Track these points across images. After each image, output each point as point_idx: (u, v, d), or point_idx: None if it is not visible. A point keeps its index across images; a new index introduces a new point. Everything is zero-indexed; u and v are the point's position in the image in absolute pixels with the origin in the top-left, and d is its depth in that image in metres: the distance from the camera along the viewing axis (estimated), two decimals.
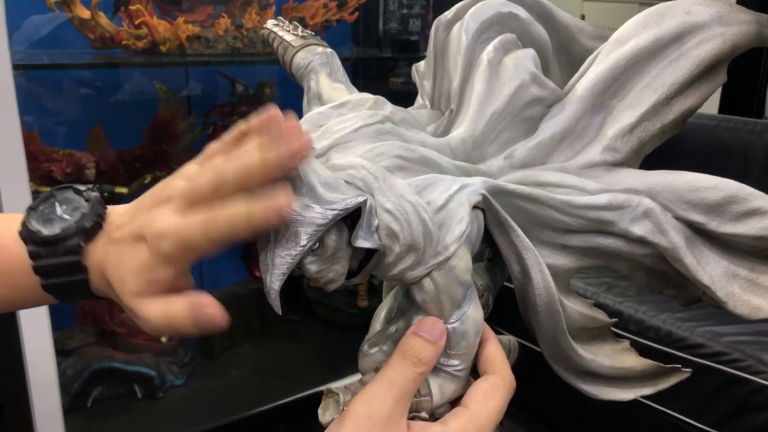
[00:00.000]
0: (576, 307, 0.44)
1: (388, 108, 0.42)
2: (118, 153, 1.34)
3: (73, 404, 1.34)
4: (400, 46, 1.66)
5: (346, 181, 0.36)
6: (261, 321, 1.63)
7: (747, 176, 1.57)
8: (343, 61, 0.47)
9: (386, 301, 0.45)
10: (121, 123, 1.40)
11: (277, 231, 0.33)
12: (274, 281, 0.33)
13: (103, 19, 1.23)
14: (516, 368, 0.55)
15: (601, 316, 0.45)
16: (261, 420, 1.38)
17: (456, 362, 0.38)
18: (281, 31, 0.47)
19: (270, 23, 0.48)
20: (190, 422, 1.35)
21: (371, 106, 0.41)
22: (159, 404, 1.41)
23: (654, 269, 0.43)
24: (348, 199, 0.34)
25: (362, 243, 0.35)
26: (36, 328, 1.05)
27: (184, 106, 1.41)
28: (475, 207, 0.39)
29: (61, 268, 0.38)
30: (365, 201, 0.34)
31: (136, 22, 1.24)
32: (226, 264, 1.70)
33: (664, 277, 0.43)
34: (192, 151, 1.40)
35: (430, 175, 0.39)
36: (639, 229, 0.41)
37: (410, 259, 0.36)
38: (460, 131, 0.44)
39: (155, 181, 1.34)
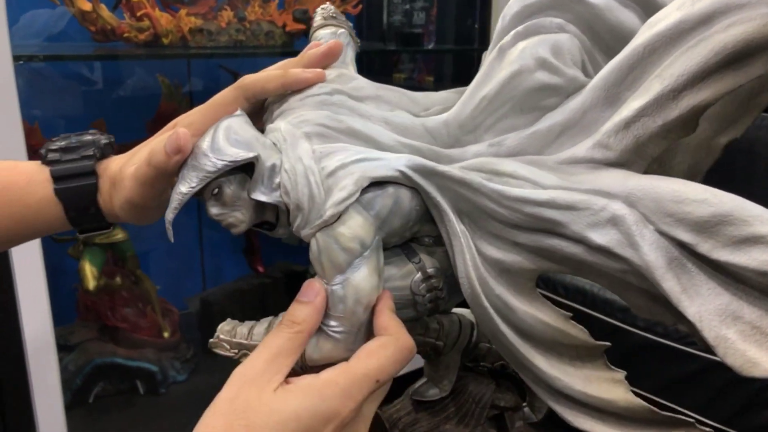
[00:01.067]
0: (536, 314, 0.41)
1: (353, 83, 0.44)
2: (120, 147, 1.32)
3: (75, 400, 1.33)
4: (404, 40, 1.64)
5: (273, 142, 0.41)
6: (264, 316, 1.61)
7: (753, 171, 1.56)
8: None
9: None
10: (123, 117, 1.39)
11: (182, 173, 0.39)
12: (168, 213, 0.39)
13: (105, 11, 1.22)
14: None
15: (579, 332, 0.41)
16: None
17: (333, 323, 0.39)
18: (320, 13, 0.51)
19: (320, 8, 0.52)
20: (193, 418, 1.33)
21: (331, 80, 0.44)
22: (161, 400, 1.40)
23: (656, 295, 0.36)
24: (240, 153, 0.38)
25: (258, 196, 0.40)
26: (37, 323, 1.04)
27: (187, 100, 1.39)
28: (397, 183, 0.40)
29: (75, 172, 0.47)
30: (257, 157, 0.39)
31: (138, 14, 1.22)
32: (228, 259, 1.69)
33: (672, 307, 0.36)
34: None
35: (340, 144, 0.41)
36: (600, 237, 0.37)
37: (299, 218, 0.39)
38: (444, 114, 0.43)
39: None
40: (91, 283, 1.26)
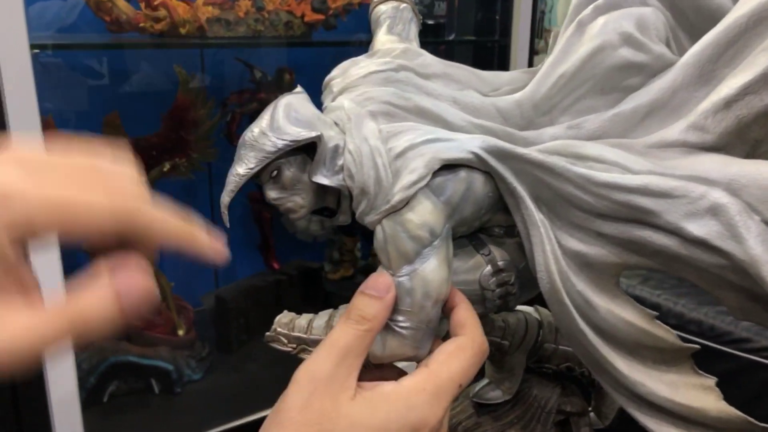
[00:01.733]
0: (619, 313, 0.37)
1: (419, 59, 0.41)
2: (135, 140, 1.29)
3: (89, 399, 1.30)
4: (425, 31, 1.61)
5: (335, 122, 0.38)
6: (279, 313, 1.58)
7: None
8: (366, 45, 0.48)
9: None
10: (137, 109, 1.36)
11: (239, 153, 0.37)
12: (224, 196, 0.37)
13: (120, 0, 1.19)
14: None
15: (665, 334, 0.38)
16: None
17: (400, 318, 0.36)
18: None
19: None
20: (210, 418, 1.31)
21: (396, 55, 0.41)
22: (177, 399, 1.37)
23: (758, 294, 0.34)
24: (301, 133, 0.35)
25: (319, 179, 0.37)
26: None
27: (203, 93, 1.36)
28: (469, 167, 0.37)
29: None
30: (319, 136, 0.36)
31: (155, 3, 1.19)
32: (243, 255, 1.66)
33: None
34: (210, 138, 1.36)
35: (408, 123, 0.38)
36: (698, 228, 0.33)
37: (364, 203, 0.36)
38: (517, 94, 0.40)
39: (174, 169, 1.29)
40: None
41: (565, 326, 0.38)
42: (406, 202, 0.36)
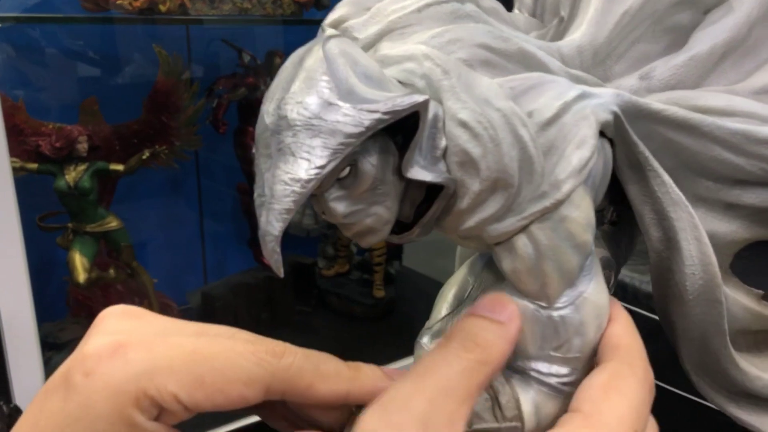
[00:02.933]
0: (739, 299, 0.31)
1: None
2: (114, 127, 1.21)
3: None
4: None
5: (399, 81, 0.24)
6: (270, 312, 1.52)
7: None
8: None
9: (458, 274, 0.32)
10: (116, 94, 1.28)
11: (281, 142, 0.22)
12: (272, 222, 0.21)
13: None
14: None
15: None
16: None
17: (564, 371, 0.26)
18: None
19: None
20: (203, 423, 1.23)
21: None
22: None
23: None
24: (398, 99, 0.21)
25: (420, 174, 0.23)
26: (18, 318, 0.94)
27: (187, 75, 1.28)
28: (599, 133, 0.26)
29: None
30: (426, 102, 0.22)
31: None
32: (232, 250, 1.59)
33: None
34: (195, 125, 1.28)
35: (533, 73, 0.26)
36: None
37: (497, 202, 0.24)
38: (576, 36, 0.31)
39: (154, 156, 1.22)
40: (81, 276, 1.15)
41: (704, 330, 0.30)
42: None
